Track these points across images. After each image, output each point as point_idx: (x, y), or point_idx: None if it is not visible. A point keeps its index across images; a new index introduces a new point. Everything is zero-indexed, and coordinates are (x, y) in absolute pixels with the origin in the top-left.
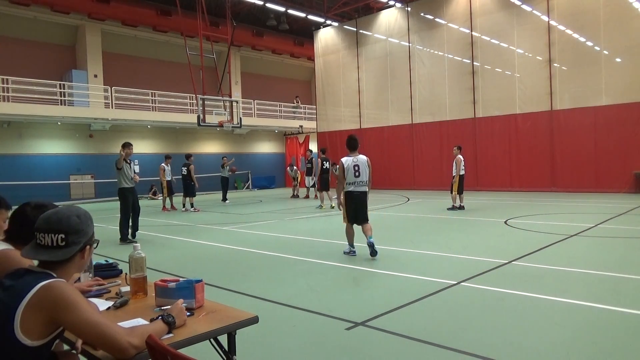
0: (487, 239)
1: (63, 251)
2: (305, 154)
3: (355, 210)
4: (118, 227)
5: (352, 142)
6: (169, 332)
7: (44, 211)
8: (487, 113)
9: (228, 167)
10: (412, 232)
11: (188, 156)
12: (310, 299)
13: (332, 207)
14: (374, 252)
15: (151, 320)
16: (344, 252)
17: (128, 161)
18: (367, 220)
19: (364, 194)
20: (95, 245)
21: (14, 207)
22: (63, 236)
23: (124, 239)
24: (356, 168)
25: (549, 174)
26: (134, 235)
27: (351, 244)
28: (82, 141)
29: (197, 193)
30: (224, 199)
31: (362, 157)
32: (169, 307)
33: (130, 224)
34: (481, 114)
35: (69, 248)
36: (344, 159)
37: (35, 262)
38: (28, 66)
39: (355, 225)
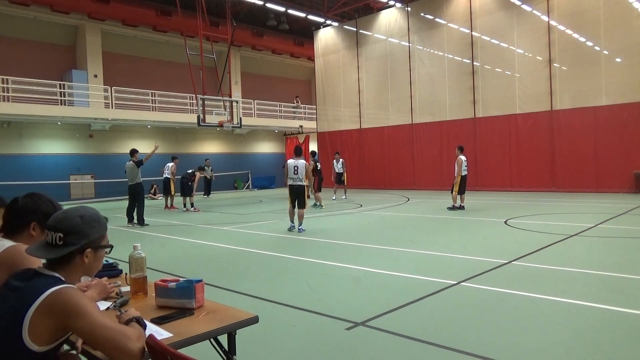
0: (487, 239)
1: (59, 250)
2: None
3: (296, 198)
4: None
5: (297, 150)
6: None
7: (36, 199)
8: (487, 113)
9: (210, 168)
10: (412, 232)
11: (200, 168)
12: (310, 299)
13: (316, 206)
14: (300, 231)
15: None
16: (288, 229)
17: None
18: (304, 206)
19: (301, 186)
20: (108, 250)
21: None
22: (61, 235)
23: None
24: (295, 168)
25: (549, 174)
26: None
27: (292, 221)
28: (82, 141)
29: (195, 193)
30: (207, 194)
31: (302, 161)
32: (127, 311)
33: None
34: (481, 114)
35: (65, 248)
36: (289, 161)
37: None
38: (28, 66)
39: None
